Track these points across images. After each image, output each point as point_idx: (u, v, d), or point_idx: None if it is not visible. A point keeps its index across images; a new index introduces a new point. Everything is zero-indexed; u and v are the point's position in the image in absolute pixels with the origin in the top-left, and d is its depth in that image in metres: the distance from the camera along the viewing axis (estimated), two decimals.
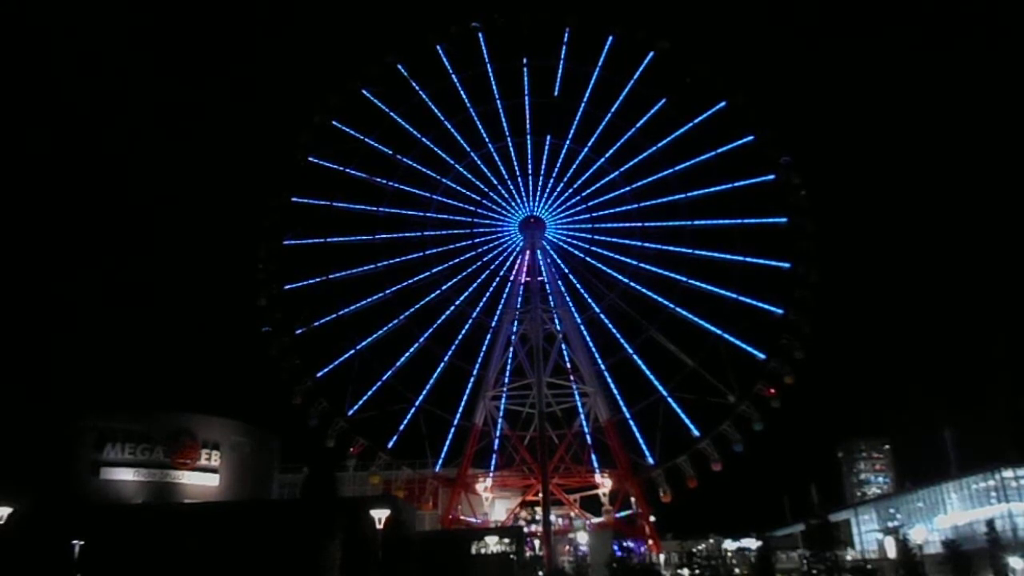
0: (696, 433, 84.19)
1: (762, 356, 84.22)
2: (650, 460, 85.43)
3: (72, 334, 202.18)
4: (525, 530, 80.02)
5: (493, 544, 68.08)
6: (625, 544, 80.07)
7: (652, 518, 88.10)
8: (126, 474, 68.69)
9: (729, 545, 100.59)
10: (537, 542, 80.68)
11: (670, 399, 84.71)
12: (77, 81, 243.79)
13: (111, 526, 57.90)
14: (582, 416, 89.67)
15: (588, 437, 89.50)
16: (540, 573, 74.38)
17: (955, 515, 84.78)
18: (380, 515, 43.75)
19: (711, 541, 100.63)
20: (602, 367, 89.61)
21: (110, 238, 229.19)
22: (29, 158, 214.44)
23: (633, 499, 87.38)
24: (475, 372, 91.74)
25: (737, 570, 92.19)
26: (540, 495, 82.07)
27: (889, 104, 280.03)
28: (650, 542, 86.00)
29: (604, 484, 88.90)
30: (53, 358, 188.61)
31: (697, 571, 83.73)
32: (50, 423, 68.31)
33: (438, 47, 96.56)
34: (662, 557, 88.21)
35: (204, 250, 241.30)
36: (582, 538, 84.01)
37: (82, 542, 52.39)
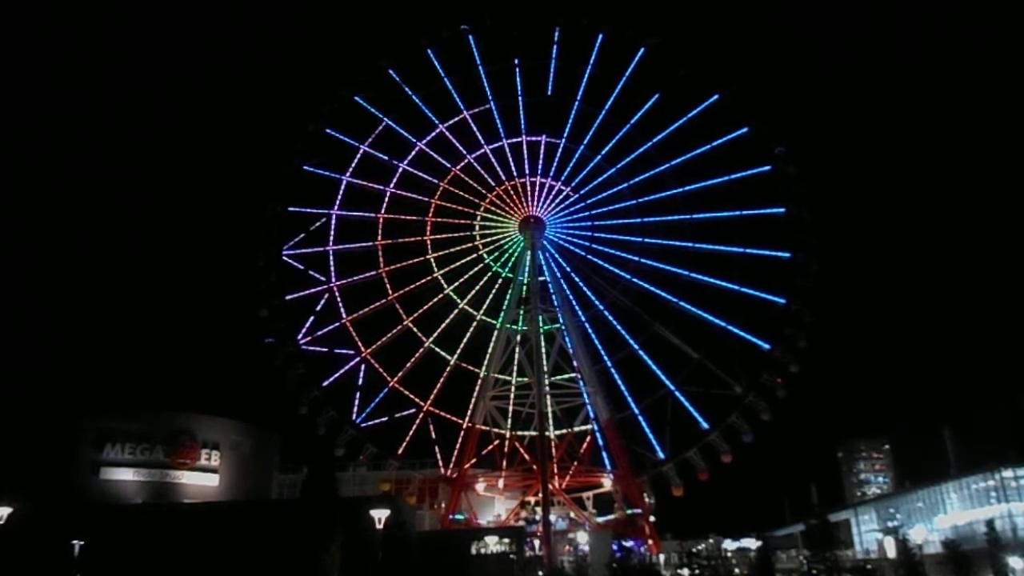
0: (705, 426, 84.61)
1: (766, 346, 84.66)
2: (660, 455, 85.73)
3: (72, 334, 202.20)
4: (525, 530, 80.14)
5: (493, 544, 68.07)
6: (625, 544, 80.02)
7: (652, 518, 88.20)
8: (126, 474, 68.58)
9: (729, 545, 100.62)
10: (537, 542, 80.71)
11: (678, 393, 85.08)
12: (78, 89, 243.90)
13: (111, 526, 57.74)
14: (590, 413, 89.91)
15: (598, 436, 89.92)
16: (540, 573, 74.34)
17: (955, 515, 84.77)
18: (380, 515, 43.74)
19: (711, 541, 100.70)
20: (608, 364, 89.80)
21: (109, 239, 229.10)
22: (30, 159, 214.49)
23: (638, 498, 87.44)
24: (478, 373, 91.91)
25: (737, 570, 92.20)
26: (540, 495, 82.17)
27: (884, 91, 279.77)
28: (650, 542, 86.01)
29: (605, 484, 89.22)
30: (53, 358, 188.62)
31: (697, 571, 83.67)
32: (50, 423, 68.21)
33: (429, 51, 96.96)
34: (662, 557, 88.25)
35: (204, 250, 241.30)
36: (582, 538, 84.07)
37: (82, 542, 52.31)
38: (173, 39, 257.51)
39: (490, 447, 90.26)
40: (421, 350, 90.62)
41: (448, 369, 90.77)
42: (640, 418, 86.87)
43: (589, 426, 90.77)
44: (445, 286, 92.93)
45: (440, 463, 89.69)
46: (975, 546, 72.84)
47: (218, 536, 57.62)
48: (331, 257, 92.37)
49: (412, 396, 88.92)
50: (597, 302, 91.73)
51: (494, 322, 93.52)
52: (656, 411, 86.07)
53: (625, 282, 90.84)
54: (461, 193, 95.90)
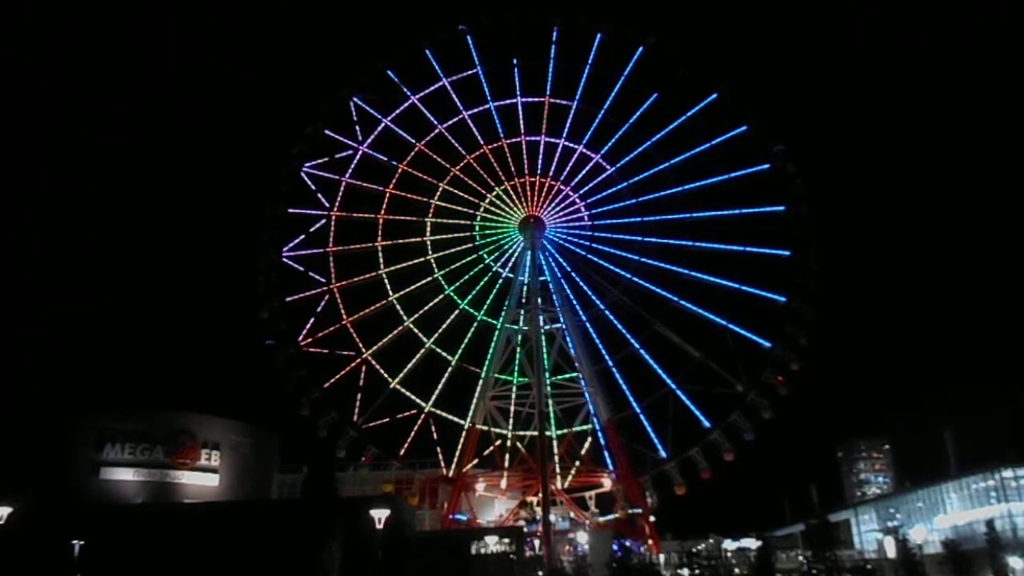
0: (707, 424, 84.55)
1: (767, 344, 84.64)
2: (662, 454, 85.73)
3: (72, 334, 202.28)
4: (525, 530, 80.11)
5: (493, 544, 68.04)
6: (625, 544, 79.99)
7: (652, 518, 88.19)
8: (126, 474, 68.75)
9: (729, 545, 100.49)
10: (537, 542, 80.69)
11: (679, 392, 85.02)
12: (78, 89, 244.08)
13: (111, 526, 57.85)
14: (591, 413, 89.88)
15: (599, 435, 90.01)
16: (540, 573, 74.30)
17: (955, 515, 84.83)
18: (380, 515, 43.74)
19: (711, 541, 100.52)
20: (609, 364, 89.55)
21: (110, 239, 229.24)
22: (31, 159, 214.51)
23: (639, 497, 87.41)
24: (478, 374, 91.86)
25: (737, 570, 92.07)
26: (540, 495, 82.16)
27: (883, 88, 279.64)
28: (650, 542, 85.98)
29: (605, 483, 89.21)
30: (53, 358, 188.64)
31: (697, 571, 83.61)
32: (50, 423, 68.37)
33: (427, 51, 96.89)
34: (662, 557, 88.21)
35: (204, 251, 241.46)
36: (582, 538, 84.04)
37: (82, 542, 52.39)
38: (172, 40, 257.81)
39: (491, 447, 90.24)
40: (422, 351, 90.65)
41: (449, 370, 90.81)
42: (641, 417, 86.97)
43: (589, 426, 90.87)
44: (445, 286, 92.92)
45: (442, 463, 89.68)
46: (975, 546, 72.91)
47: (218, 536, 57.69)
48: (331, 258, 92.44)
49: (413, 397, 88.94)
50: (597, 301, 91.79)
51: (495, 322, 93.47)
52: (657, 410, 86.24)
53: (625, 281, 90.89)
54: (461, 194, 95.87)
